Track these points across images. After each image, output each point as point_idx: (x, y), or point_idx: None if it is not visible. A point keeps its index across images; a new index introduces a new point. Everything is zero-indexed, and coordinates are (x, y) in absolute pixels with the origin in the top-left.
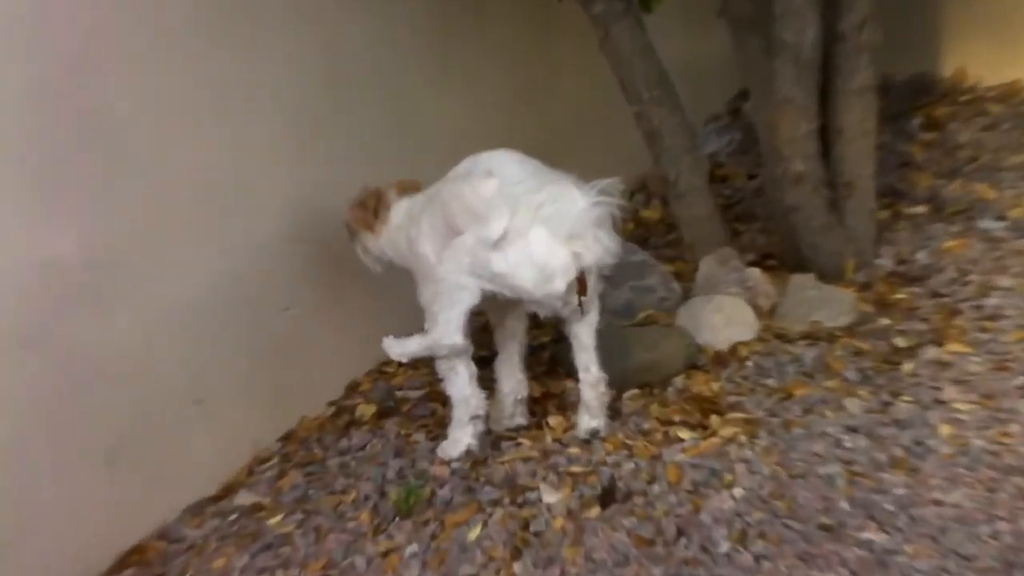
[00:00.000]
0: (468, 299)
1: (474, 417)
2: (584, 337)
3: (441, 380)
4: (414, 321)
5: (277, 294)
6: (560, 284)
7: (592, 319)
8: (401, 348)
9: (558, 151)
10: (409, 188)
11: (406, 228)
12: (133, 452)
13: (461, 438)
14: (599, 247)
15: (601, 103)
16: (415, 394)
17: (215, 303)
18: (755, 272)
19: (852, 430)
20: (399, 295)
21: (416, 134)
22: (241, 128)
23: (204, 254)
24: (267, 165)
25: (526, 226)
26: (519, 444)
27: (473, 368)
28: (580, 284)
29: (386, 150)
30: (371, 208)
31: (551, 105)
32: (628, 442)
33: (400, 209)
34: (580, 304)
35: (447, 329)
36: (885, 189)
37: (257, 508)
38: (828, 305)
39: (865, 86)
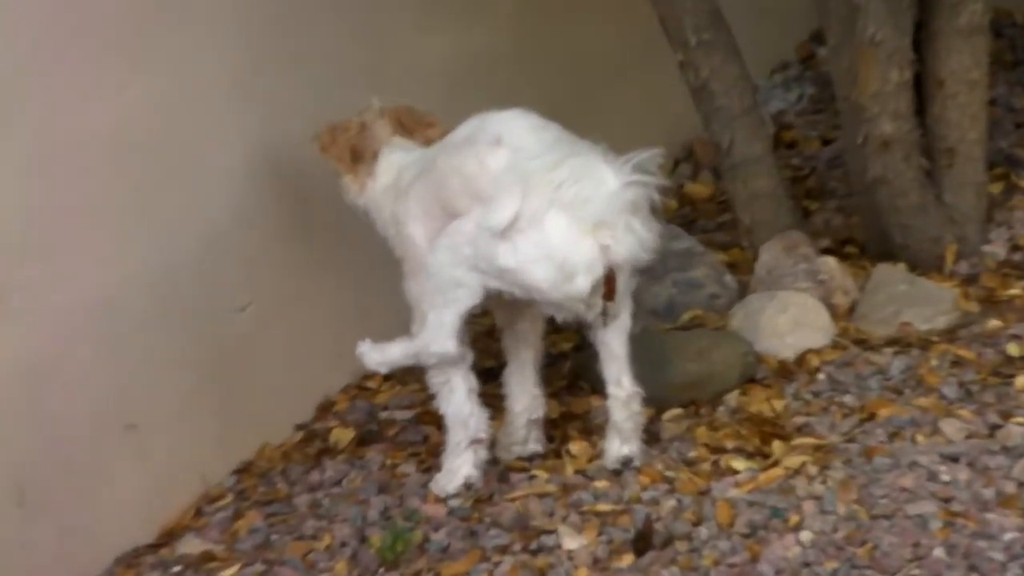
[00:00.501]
0: (466, 298)
1: (474, 441)
2: (614, 345)
3: (434, 397)
4: (406, 322)
5: (227, 290)
6: (583, 283)
7: (624, 323)
8: (381, 356)
9: (581, 112)
10: (410, 126)
11: (392, 198)
12: (47, 489)
13: (459, 468)
14: (632, 239)
15: (637, 49)
16: (403, 415)
17: (146, 302)
18: (830, 262)
19: (951, 459)
20: (387, 289)
21: (396, 86)
22: (172, 73)
23: (128, 240)
24: (209, 123)
25: (542, 211)
26: (533, 477)
27: (473, 381)
28: (608, 284)
29: (358, 105)
30: (350, 146)
31: (572, 51)
32: (669, 474)
33: (391, 162)
34: (605, 310)
35: (438, 333)
36: (997, 157)
37: (207, 557)
38: (922, 303)
39: (975, 25)
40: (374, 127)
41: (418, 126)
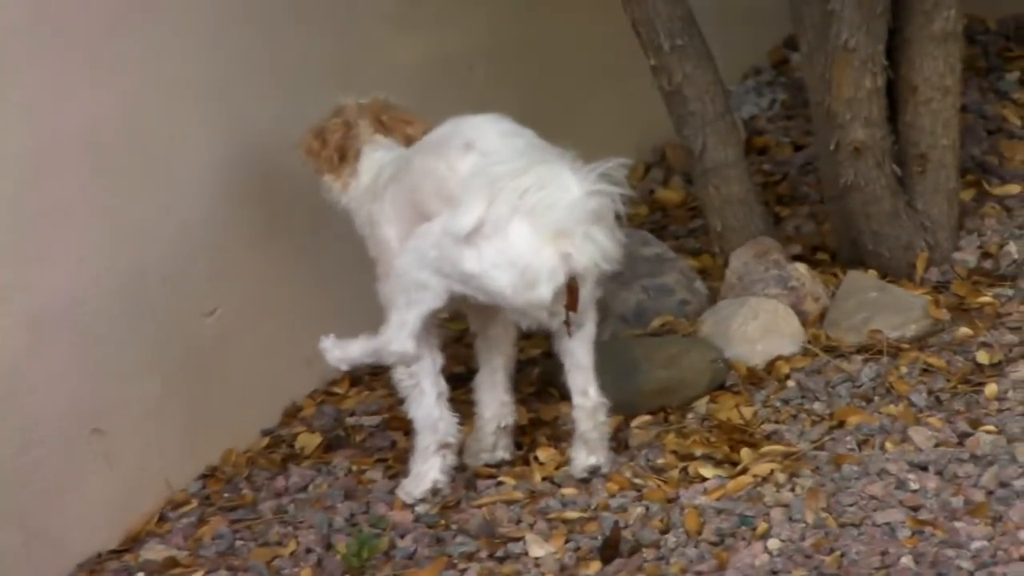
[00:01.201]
0: (430, 301)
1: (443, 446)
2: (579, 354)
3: (402, 402)
4: (376, 326)
5: (194, 294)
6: (545, 291)
7: (588, 332)
8: (342, 352)
9: (555, 116)
10: (392, 125)
11: (369, 198)
12: (9, 495)
13: (426, 472)
14: (593, 248)
15: (611, 54)
16: (370, 421)
17: (113, 306)
18: (801, 268)
19: (919, 468)
20: (356, 294)
21: (371, 88)
22: (145, 74)
23: (97, 242)
24: (181, 125)
25: (506, 217)
26: (501, 483)
27: (443, 385)
28: (571, 294)
29: (329, 105)
30: (333, 146)
31: (547, 56)
32: (637, 481)
33: (373, 160)
34: (568, 320)
35: (399, 333)
36: (969, 164)
37: (171, 563)
38: (892, 310)
39: (948, 31)
40: (358, 125)
41: (398, 123)
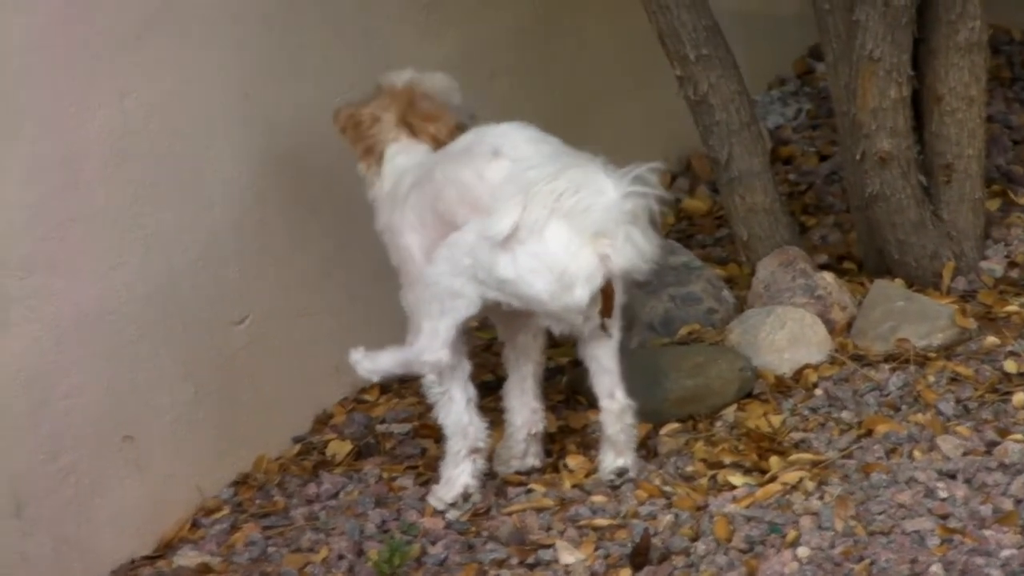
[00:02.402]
0: (464, 309)
1: (473, 451)
2: (604, 359)
3: (432, 409)
4: (405, 334)
5: (225, 302)
6: (582, 294)
7: (614, 336)
8: (372, 364)
9: (579, 126)
10: (417, 127)
11: (389, 207)
12: (44, 500)
13: (457, 477)
14: (631, 249)
15: (636, 64)
16: (401, 428)
17: (144, 314)
18: (827, 277)
19: (948, 476)
20: (385, 301)
21: None
22: (173, 82)
23: (127, 251)
24: (209, 133)
25: (542, 221)
26: (531, 491)
27: (472, 391)
28: (606, 299)
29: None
30: (362, 138)
31: (571, 65)
32: (666, 489)
33: (395, 166)
34: (603, 324)
35: (432, 342)
36: (995, 173)
37: (204, 569)
38: (919, 320)
39: (973, 42)
40: (383, 122)
41: (423, 124)
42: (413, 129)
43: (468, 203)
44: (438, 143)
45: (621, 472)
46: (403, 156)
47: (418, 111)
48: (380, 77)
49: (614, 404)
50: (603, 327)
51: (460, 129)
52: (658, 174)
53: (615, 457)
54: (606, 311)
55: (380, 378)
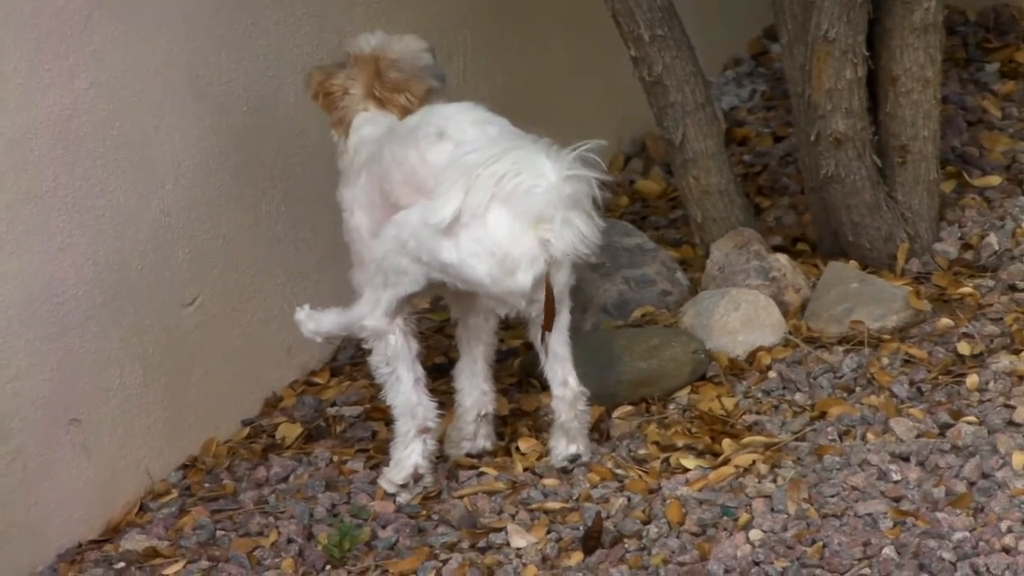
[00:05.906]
0: (407, 285)
1: (423, 431)
2: (555, 344)
3: (382, 390)
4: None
5: (174, 283)
6: (525, 279)
7: (564, 321)
8: (316, 324)
9: (535, 106)
10: (389, 91)
11: (347, 179)
12: None
13: (407, 458)
14: (571, 233)
15: (591, 45)
16: (351, 411)
17: (93, 295)
18: (781, 259)
19: (901, 459)
20: (335, 284)
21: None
22: (123, 62)
23: (74, 230)
24: (160, 113)
25: (484, 205)
26: (482, 474)
27: (420, 371)
28: (547, 302)
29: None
30: (334, 104)
31: (526, 47)
32: (618, 472)
33: (360, 133)
34: (543, 338)
35: (374, 309)
36: (950, 155)
37: (151, 554)
38: (873, 301)
39: (928, 22)
40: (351, 93)
41: (391, 95)
42: (381, 102)
43: (412, 185)
44: (406, 112)
45: (574, 459)
46: (369, 127)
47: (386, 82)
48: (348, 42)
49: (567, 392)
50: (546, 326)
51: (429, 93)
52: (601, 152)
53: (567, 444)
54: (547, 324)
55: (322, 339)
